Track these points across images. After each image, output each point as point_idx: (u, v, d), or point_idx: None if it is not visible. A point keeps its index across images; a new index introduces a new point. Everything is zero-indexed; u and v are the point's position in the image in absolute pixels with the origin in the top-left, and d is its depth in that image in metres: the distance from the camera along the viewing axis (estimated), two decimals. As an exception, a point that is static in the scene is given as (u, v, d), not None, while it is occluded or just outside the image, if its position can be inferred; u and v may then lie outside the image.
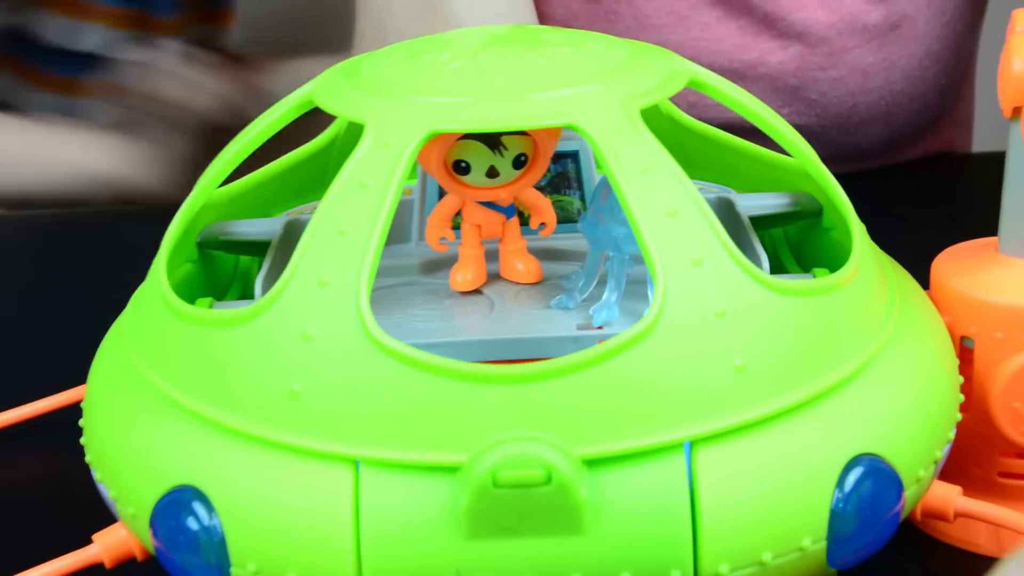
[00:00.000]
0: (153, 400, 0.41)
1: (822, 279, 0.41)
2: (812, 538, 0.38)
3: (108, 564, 0.44)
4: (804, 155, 0.45)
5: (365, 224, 0.39)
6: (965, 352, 0.47)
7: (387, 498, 0.37)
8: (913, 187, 0.79)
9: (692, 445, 0.37)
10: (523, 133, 0.45)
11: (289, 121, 0.45)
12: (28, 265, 0.77)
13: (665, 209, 0.39)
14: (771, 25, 0.73)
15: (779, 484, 0.38)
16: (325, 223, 0.40)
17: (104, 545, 0.44)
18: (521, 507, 0.36)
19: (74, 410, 0.50)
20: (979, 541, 0.48)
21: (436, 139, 0.43)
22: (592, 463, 0.37)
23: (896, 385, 0.41)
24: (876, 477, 0.39)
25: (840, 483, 0.38)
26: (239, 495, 0.38)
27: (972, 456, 0.48)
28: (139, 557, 0.44)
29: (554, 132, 0.46)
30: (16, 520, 0.52)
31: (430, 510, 0.37)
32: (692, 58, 0.48)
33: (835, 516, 0.38)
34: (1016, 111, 0.46)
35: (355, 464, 0.38)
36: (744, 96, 0.45)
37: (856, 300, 0.41)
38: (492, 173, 0.45)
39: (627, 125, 0.40)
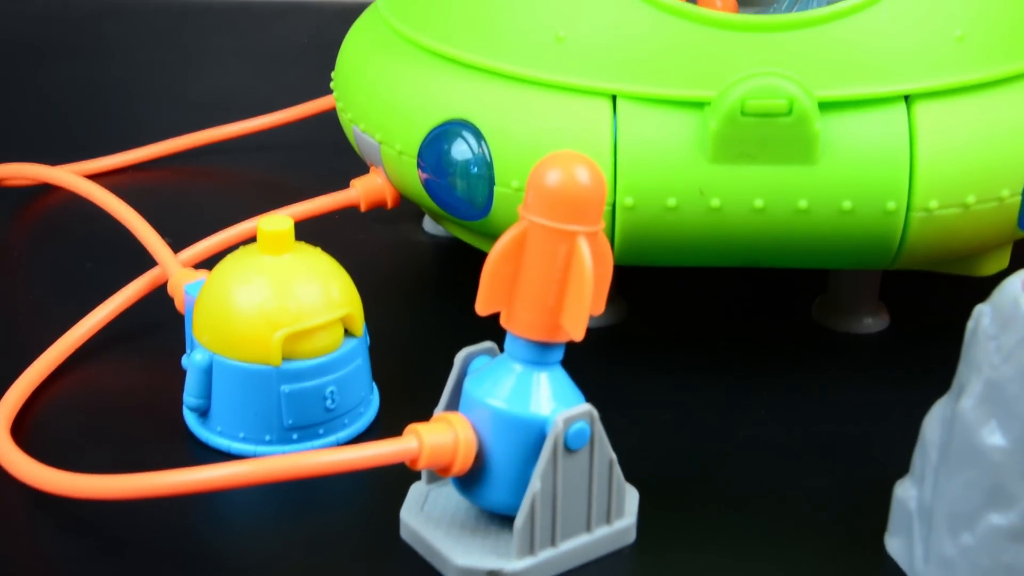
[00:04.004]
0: (418, 55, 0.47)
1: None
2: (1010, 191, 0.43)
3: (363, 207, 0.50)
4: None
5: None
6: None
7: (642, 128, 0.43)
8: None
9: (912, 99, 0.43)
10: None
11: None
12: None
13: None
14: None
15: (986, 141, 0.43)
16: None
17: (362, 189, 0.50)
18: (763, 135, 0.42)
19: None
20: None
21: None
22: (825, 106, 0.42)
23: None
24: (1068, 148, 0.44)
25: (1037, 147, 0.44)
26: (507, 126, 0.44)
27: None
28: (389, 204, 0.51)
29: None
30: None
31: (680, 138, 0.42)
32: None
33: (1031, 176, 0.43)
34: None
35: (612, 99, 0.43)
36: None
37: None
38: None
39: None
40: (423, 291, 0.53)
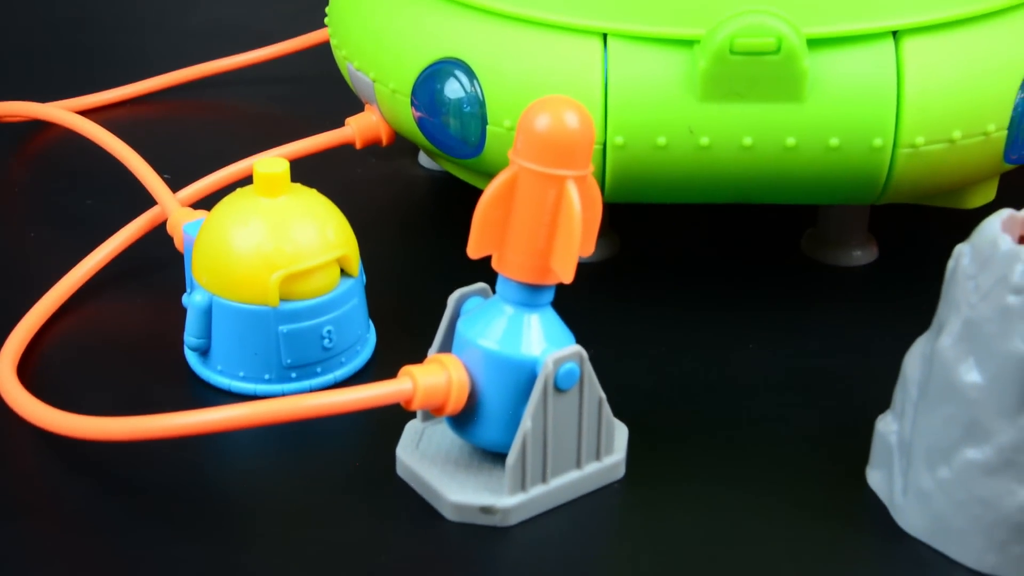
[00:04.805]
0: (411, -6, 0.47)
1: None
2: (996, 125, 0.44)
3: (358, 144, 0.51)
4: None
5: None
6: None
7: (632, 67, 0.43)
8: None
9: (900, 35, 0.43)
10: None
11: None
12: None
13: None
14: None
15: (973, 76, 0.43)
16: None
17: (357, 127, 0.51)
18: (751, 73, 0.42)
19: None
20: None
21: None
22: (813, 43, 0.43)
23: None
24: (1053, 84, 0.44)
25: None
26: (499, 65, 0.44)
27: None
28: (384, 141, 0.51)
29: None
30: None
31: (670, 77, 0.43)
32: None
33: (1017, 110, 0.44)
34: None
35: (603, 37, 0.44)
36: None
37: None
38: None
39: None
40: (419, 226, 0.54)
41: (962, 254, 0.35)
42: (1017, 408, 0.34)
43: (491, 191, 0.36)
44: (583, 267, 0.50)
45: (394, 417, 0.40)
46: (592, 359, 0.38)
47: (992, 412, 0.34)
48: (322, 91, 0.63)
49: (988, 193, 0.49)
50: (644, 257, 0.51)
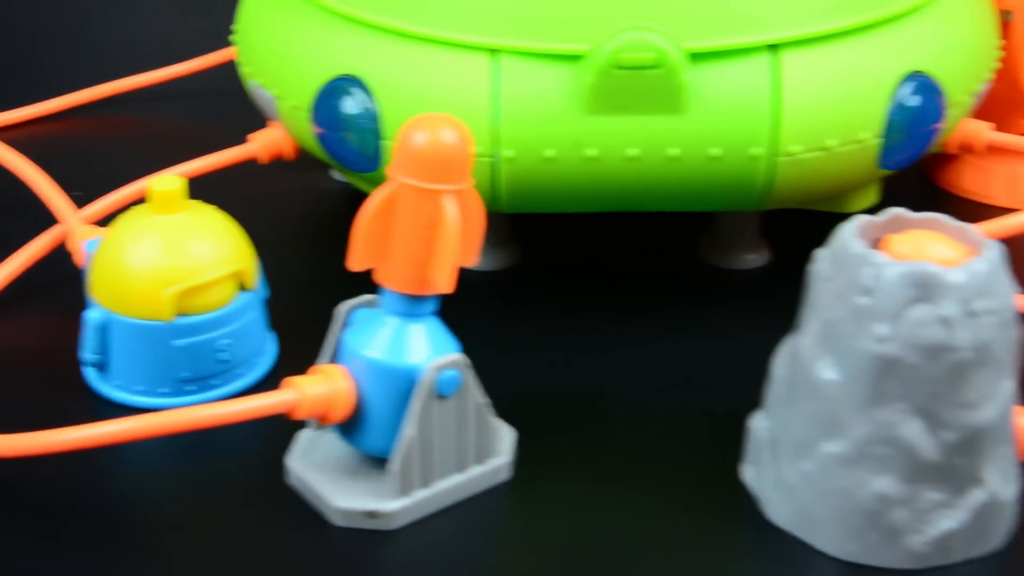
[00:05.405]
0: (310, 12, 0.48)
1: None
2: (871, 133, 0.45)
3: (263, 159, 0.52)
4: None
5: None
6: (1005, 25, 0.54)
7: (521, 82, 0.45)
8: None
9: (778, 48, 0.45)
10: None
11: None
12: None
13: None
14: None
15: (847, 86, 0.45)
16: None
17: (262, 143, 0.52)
18: (635, 87, 0.44)
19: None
20: (995, 193, 0.56)
21: None
22: (694, 57, 0.44)
23: (950, 22, 0.48)
24: (925, 91, 0.46)
25: (896, 92, 0.46)
26: (393, 81, 0.46)
27: (1000, 121, 0.55)
28: (290, 156, 0.52)
29: None
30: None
31: (558, 91, 0.44)
32: None
33: (889, 118, 0.46)
34: None
35: (493, 53, 0.45)
36: None
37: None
38: None
39: None
40: (329, 237, 0.55)
41: (821, 258, 0.37)
42: (869, 403, 0.35)
43: (371, 206, 0.37)
44: (483, 275, 0.52)
45: (290, 426, 0.41)
46: (486, 365, 0.39)
47: (847, 407, 0.36)
48: (241, 106, 0.64)
49: (869, 197, 0.51)
50: (545, 265, 0.52)
